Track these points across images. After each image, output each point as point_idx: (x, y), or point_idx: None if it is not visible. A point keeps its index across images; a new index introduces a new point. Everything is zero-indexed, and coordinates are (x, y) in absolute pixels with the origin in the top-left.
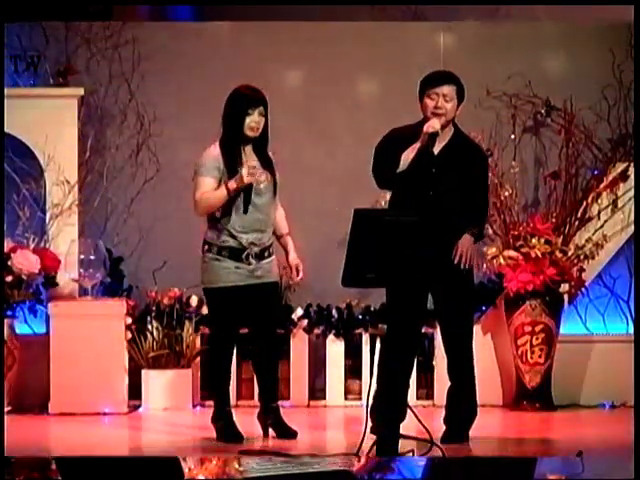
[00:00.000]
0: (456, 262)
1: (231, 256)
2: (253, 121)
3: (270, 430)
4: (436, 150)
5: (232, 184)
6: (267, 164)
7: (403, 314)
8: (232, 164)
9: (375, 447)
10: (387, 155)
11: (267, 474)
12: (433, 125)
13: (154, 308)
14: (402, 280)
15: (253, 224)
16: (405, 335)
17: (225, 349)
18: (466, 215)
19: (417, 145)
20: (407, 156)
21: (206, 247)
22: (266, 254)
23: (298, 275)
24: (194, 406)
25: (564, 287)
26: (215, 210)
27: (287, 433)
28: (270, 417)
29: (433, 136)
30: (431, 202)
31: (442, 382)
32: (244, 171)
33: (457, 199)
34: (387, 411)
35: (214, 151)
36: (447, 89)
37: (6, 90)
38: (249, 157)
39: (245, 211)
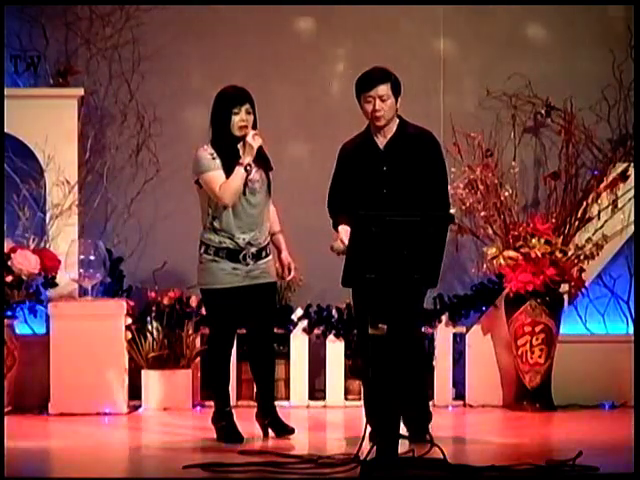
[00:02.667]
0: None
1: (229, 257)
2: (241, 120)
3: (269, 430)
4: (382, 145)
5: (244, 158)
6: (260, 161)
7: (402, 315)
8: (227, 161)
9: (375, 447)
10: (336, 211)
11: None
12: (337, 249)
13: (154, 308)
14: (401, 281)
15: (249, 223)
16: (404, 335)
17: (223, 350)
18: (427, 207)
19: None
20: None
21: (203, 248)
22: (263, 254)
23: (290, 274)
24: (194, 406)
25: (564, 287)
26: (211, 212)
27: (285, 430)
28: (268, 417)
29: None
30: (386, 200)
31: (442, 382)
32: (249, 138)
33: (413, 192)
34: (386, 412)
35: (208, 149)
36: (382, 89)
37: (6, 90)
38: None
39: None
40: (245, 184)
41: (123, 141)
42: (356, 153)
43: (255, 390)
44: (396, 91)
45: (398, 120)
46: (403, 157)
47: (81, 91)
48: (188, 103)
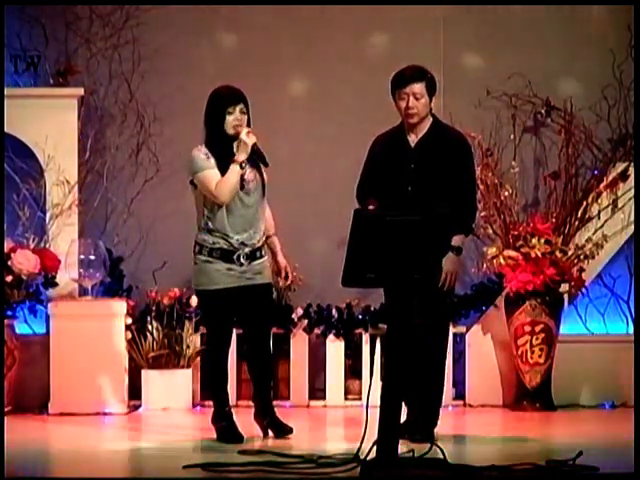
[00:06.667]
0: (439, 285)
1: (222, 258)
2: (235, 119)
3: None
4: (413, 143)
5: (238, 156)
6: (255, 160)
7: (402, 314)
8: (222, 161)
9: (375, 447)
10: (366, 192)
11: None
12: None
13: (154, 308)
14: (401, 280)
15: (243, 224)
16: (406, 335)
17: (220, 350)
18: (452, 209)
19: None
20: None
21: (197, 249)
22: (258, 255)
23: (287, 279)
24: (194, 406)
25: (564, 287)
26: (206, 212)
27: (284, 431)
28: (267, 418)
29: None
30: (410, 198)
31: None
32: (243, 136)
33: (438, 193)
34: (387, 412)
35: (202, 149)
36: (416, 87)
37: (6, 90)
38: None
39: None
40: (240, 183)
41: (123, 141)
42: (386, 148)
43: (253, 390)
44: (431, 90)
45: (432, 119)
46: (433, 157)
47: (81, 91)
48: (188, 103)
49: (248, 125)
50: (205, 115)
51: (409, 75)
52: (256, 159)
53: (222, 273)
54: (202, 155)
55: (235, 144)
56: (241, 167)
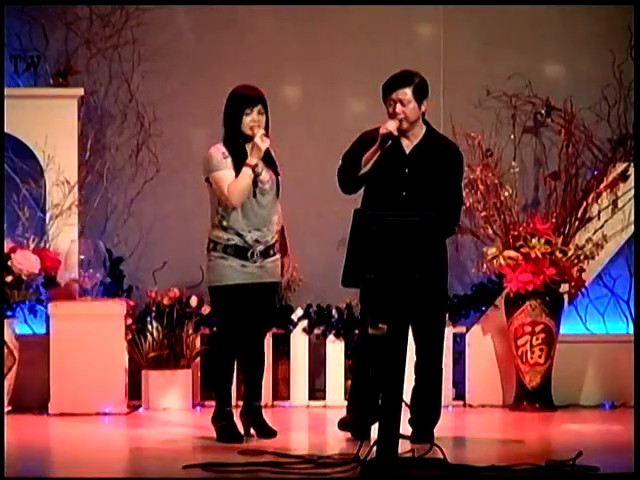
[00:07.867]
0: None
1: (237, 254)
2: (253, 120)
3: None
4: (408, 149)
5: (251, 159)
6: (270, 162)
7: (400, 314)
8: (238, 161)
9: (375, 448)
10: (350, 160)
11: None
12: (386, 127)
13: (154, 308)
14: (401, 281)
15: (257, 222)
16: (402, 335)
17: (228, 349)
18: (438, 215)
19: (375, 147)
20: (367, 159)
21: (211, 245)
22: (271, 252)
23: (287, 273)
24: (194, 406)
25: (564, 287)
26: (220, 210)
27: (266, 433)
28: (250, 417)
29: (386, 138)
30: (405, 202)
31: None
32: (257, 140)
33: (430, 199)
34: (387, 412)
35: (220, 148)
36: (401, 93)
37: (6, 90)
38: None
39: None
40: (255, 185)
41: (123, 141)
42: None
43: (243, 389)
44: (420, 95)
45: (425, 127)
46: (426, 164)
47: (81, 91)
48: (188, 103)
49: (267, 125)
50: (224, 114)
51: (395, 81)
52: (270, 161)
53: (236, 270)
54: (219, 154)
55: (248, 146)
56: (253, 170)
